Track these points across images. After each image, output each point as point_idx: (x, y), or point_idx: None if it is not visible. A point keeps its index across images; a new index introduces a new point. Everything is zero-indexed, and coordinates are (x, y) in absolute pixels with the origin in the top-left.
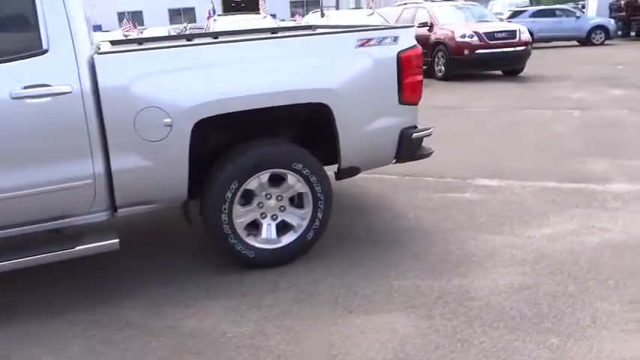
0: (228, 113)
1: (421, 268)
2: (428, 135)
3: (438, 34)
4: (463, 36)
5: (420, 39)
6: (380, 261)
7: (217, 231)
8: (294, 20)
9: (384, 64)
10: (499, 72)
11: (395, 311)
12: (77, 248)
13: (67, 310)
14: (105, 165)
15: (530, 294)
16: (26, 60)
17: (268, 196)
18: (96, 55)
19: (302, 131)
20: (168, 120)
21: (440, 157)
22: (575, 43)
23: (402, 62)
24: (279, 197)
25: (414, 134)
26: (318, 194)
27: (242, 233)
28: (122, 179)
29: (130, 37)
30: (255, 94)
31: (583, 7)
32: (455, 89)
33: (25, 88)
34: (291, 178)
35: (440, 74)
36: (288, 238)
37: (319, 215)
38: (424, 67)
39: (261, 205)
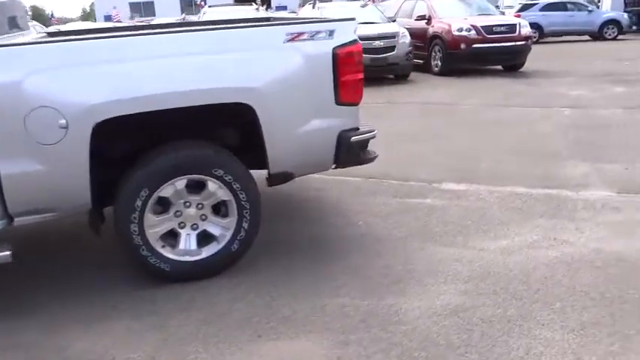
0: (135, 114)
1: (356, 284)
2: (370, 137)
3: (435, 27)
4: (460, 29)
5: (418, 32)
6: (315, 275)
7: (128, 242)
8: (294, 12)
9: (317, 61)
10: (500, 67)
11: (310, 335)
12: None
13: None
14: None
15: (464, 317)
16: None
17: (187, 204)
18: None
19: (235, 134)
20: (63, 121)
21: (412, 158)
22: (587, 37)
23: (338, 59)
24: (200, 205)
25: (354, 137)
26: (243, 202)
27: (156, 244)
28: (13, 185)
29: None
30: (162, 94)
31: (599, 0)
32: (449, 85)
33: None
34: (212, 185)
35: (436, 69)
36: (210, 250)
37: (245, 225)
38: (421, 61)
39: (178, 213)
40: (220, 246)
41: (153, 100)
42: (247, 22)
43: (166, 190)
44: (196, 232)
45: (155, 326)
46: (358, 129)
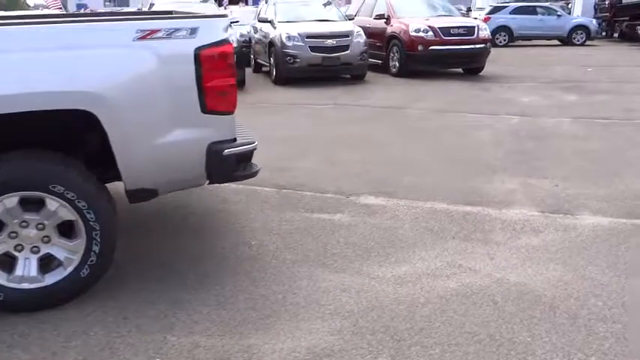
0: None
1: (219, 318)
2: (249, 150)
3: (393, 27)
4: (417, 30)
5: (377, 32)
6: (177, 308)
7: None
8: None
9: (176, 63)
10: (460, 70)
11: None
12: None
13: None
14: None
15: None
16: None
17: (24, 223)
18: None
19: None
20: None
21: (338, 166)
22: (556, 42)
23: (202, 61)
24: (41, 225)
25: (227, 150)
26: (91, 223)
27: None
28: None
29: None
30: None
31: (569, 5)
32: (404, 87)
33: None
34: (52, 203)
35: (394, 70)
36: (55, 276)
37: (95, 249)
38: (379, 61)
39: (13, 234)
40: (67, 272)
41: None
42: (101, 16)
43: None
44: (37, 255)
45: None
46: (234, 140)
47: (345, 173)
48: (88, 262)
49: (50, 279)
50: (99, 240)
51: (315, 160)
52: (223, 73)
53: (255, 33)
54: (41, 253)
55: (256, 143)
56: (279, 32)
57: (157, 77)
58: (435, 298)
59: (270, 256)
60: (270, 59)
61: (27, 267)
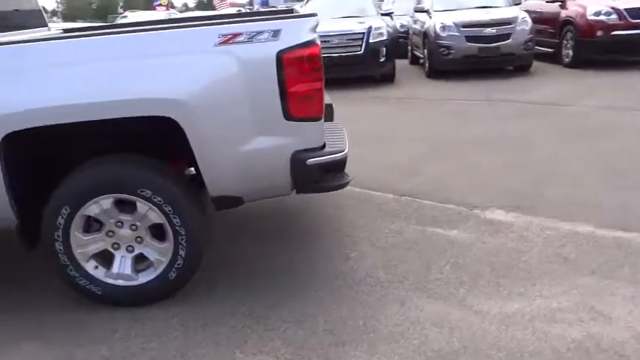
0: (46, 127)
1: (294, 337)
2: (337, 159)
3: (569, 10)
4: (597, 13)
5: (549, 17)
6: (255, 321)
7: (54, 261)
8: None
9: (257, 68)
10: None
11: None
12: None
13: None
14: None
15: None
16: None
17: (119, 223)
18: None
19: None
20: None
21: (471, 172)
22: None
23: (285, 65)
24: (134, 226)
25: (312, 159)
26: (177, 227)
27: (87, 265)
28: None
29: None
30: (68, 105)
31: None
32: (573, 80)
33: None
34: (142, 206)
35: (567, 60)
36: (146, 276)
37: (181, 253)
38: (550, 50)
39: (111, 233)
40: (157, 273)
41: (58, 113)
42: (177, 22)
43: (91, 209)
44: (132, 255)
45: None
46: (322, 148)
47: (477, 180)
48: (175, 265)
49: (142, 278)
50: (184, 244)
51: (448, 164)
52: (308, 76)
53: (413, 23)
54: (135, 253)
55: (346, 152)
56: (433, 22)
57: (239, 83)
58: (547, 349)
59: (364, 273)
60: (424, 51)
61: (123, 265)
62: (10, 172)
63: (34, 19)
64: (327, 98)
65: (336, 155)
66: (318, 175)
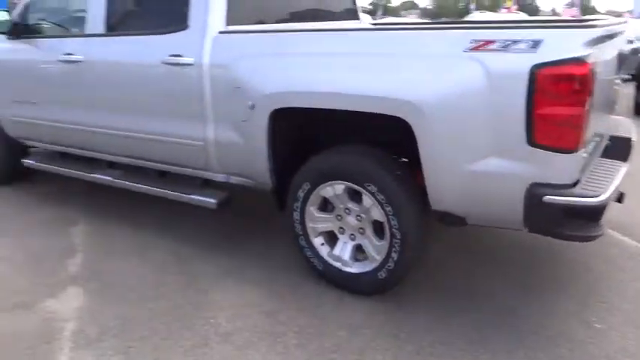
0: (305, 109)
1: None
2: (586, 204)
3: None
4: None
5: None
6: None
7: (291, 227)
8: None
9: (506, 81)
10: None
11: None
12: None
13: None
14: (213, 131)
15: None
16: (175, 34)
17: (347, 211)
18: (216, 35)
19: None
20: (250, 103)
21: None
22: None
23: (538, 82)
24: (359, 217)
25: (549, 197)
26: (394, 229)
27: (315, 239)
28: (221, 148)
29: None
30: (325, 93)
31: None
32: None
33: (170, 56)
34: (367, 200)
35: None
36: (360, 267)
37: (393, 255)
38: None
39: (339, 217)
40: (369, 268)
41: (316, 98)
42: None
43: (326, 191)
44: (353, 243)
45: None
46: (571, 187)
47: None
48: (387, 267)
49: (356, 268)
50: (397, 248)
51: None
52: (565, 99)
53: None
54: (356, 242)
55: (604, 198)
56: None
57: (483, 94)
58: None
59: (596, 347)
60: None
61: (343, 249)
62: (274, 143)
63: (350, 14)
64: (628, 130)
65: (586, 199)
66: (558, 217)
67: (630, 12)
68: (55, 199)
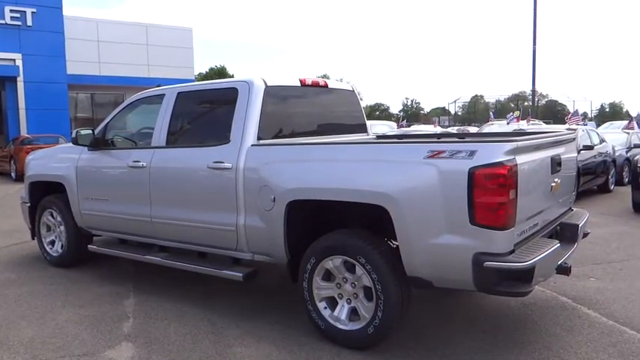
0: (313, 200)
1: None
2: (516, 268)
3: None
4: None
5: None
6: None
7: (301, 293)
8: None
9: (452, 179)
10: None
11: None
12: (205, 268)
13: None
14: (243, 219)
15: None
16: (220, 146)
17: (345, 279)
18: (249, 147)
19: None
20: (272, 197)
21: None
22: None
23: (474, 179)
24: (353, 284)
25: (489, 262)
26: (378, 292)
27: (319, 304)
28: (249, 231)
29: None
30: (324, 188)
31: None
32: None
33: (214, 162)
34: (358, 270)
35: None
36: (354, 326)
37: (379, 314)
38: None
39: (339, 285)
40: (360, 325)
41: (320, 192)
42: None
43: (328, 263)
44: (349, 306)
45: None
46: (507, 254)
47: None
48: (374, 323)
49: (351, 326)
50: (382, 308)
51: None
52: (494, 191)
53: None
54: (351, 305)
55: (529, 263)
56: None
57: (437, 188)
58: None
59: None
60: None
61: (341, 311)
62: (289, 226)
63: (360, 128)
64: (578, 218)
65: (516, 264)
66: (496, 278)
67: None
68: (110, 278)
